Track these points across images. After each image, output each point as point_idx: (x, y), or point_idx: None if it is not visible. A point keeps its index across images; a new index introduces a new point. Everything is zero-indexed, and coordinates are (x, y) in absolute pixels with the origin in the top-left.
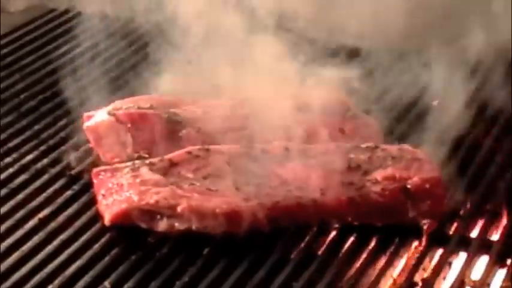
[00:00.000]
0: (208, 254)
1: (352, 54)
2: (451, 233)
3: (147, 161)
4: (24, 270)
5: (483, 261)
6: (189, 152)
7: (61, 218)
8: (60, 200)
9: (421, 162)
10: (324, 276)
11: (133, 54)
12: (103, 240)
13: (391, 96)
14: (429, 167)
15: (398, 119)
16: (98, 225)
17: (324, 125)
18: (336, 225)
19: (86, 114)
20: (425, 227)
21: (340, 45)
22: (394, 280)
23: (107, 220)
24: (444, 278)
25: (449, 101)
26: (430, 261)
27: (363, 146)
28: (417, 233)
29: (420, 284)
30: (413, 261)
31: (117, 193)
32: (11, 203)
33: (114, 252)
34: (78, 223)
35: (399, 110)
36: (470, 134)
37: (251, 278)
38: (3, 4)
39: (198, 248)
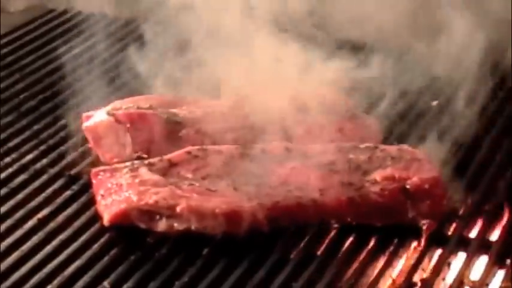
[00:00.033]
0: (207, 254)
1: (355, 52)
2: (450, 233)
3: (146, 161)
4: (23, 270)
5: (482, 261)
6: (189, 152)
7: (60, 218)
8: (59, 200)
9: (421, 162)
10: (323, 276)
11: (133, 54)
12: (102, 240)
13: (390, 96)
14: (428, 167)
15: (398, 119)
16: (97, 226)
17: (324, 125)
18: (336, 225)
19: (85, 114)
20: (424, 227)
21: (344, 42)
22: (393, 280)
23: (106, 220)
24: (443, 279)
25: (449, 101)
26: (429, 262)
27: (362, 146)
28: (416, 233)
29: (419, 284)
30: (412, 262)
31: (116, 193)
32: (11, 202)
33: (113, 252)
34: (77, 223)
35: (399, 110)
36: (470, 133)
37: (251, 278)
38: (3, 4)
39: (198, 248)
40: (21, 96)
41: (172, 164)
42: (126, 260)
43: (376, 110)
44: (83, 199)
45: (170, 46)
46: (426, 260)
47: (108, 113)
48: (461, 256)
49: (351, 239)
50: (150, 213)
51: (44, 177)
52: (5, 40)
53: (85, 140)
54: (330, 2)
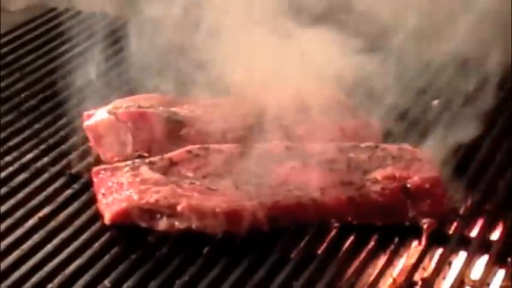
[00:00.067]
0: (208, 253)
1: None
2: (450, 232)
3: (147, 160)
4: (24, 268)
5: (483, 260)
6: (189, 151)
7: (61, 216)
8: (60, 198)
9: (421, 161)
10: (323, 275)
11: (134, 53)
12: (103, 239)
13: (392, 95)
14: (429, 167)
15: (398, 118)
16: (98, 224)
17: (324, 125)
18: (336, 225)
19: (86, 113)
20: (425, 227)
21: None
22: (394, 279)
23: (106, 219)
24: (444, 278)
25: (449, 101)
26: (430, 261)
27: (363, 145)
28: (417, 233)
29: (420, 283)
30: (413, 261)
31: (117, 192)
32: (11, 201)
33: (114, 251)
34: (78, 222)
35: (399, 110)
36: (470, 133)
37: (251, 277)
38: (3, 3)
39: (198, 247)
40: (22, 95)
41: (173, 163)
42: (127, 258)
43: (376, 109)
44: (83, 198)
45: (171, 45)
46: (427, 259)
47: (109, 112)
48: (462, 255)
49: (351, 238)
50: (151, 212)
51: (45, 176)
52: (5, 39)
53: (86, 139)
54: None
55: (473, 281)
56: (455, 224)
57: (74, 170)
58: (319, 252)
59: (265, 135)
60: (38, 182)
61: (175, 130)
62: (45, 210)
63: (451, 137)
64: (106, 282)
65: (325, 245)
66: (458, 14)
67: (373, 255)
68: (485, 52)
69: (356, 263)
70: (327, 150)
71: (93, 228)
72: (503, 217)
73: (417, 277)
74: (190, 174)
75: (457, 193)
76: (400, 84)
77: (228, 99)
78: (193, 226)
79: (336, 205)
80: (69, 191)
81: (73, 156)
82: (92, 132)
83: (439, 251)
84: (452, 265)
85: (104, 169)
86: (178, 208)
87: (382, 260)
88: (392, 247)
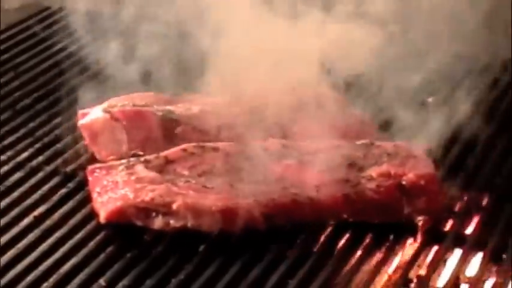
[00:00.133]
0: (204, 252)
1: None
2: (446, 230)
3: (142, 159)
4: (19, 267)
5: (478, 258)
6: (185, 150)
7: (56, 215)
8: (55, 197)
9: (416, 158)
10: (319, 273)
11: (128, 51)
12: (98, 237)
13: (386, 92)
14: (424, 164)
15: (393, 115)
16: (93, 223)
17: (319, 122)
18: (331, 223)
19: (80, 112)
20: (420, 224)
21: None
22: (389, 277)
23: (102, 218)
24: (439, 275)
25: (444, 98)
26: (425, 258)
27: (358, 142)
28: (412, 230)
29: (415, 280)
30: (408, 258)
31: (112, 191)
32: (6, 200)
33: (109, 249)
34: (73, 221)
35: (395, 107)
36: (466, 130)
37: (247, 275)
38: None
39: (194, 245)
40: (16, 94)
41: (168, 161)
42: (122, 257)
43: (371, 107)
44: (78, 197)
45: (167, 43)
46: (422, 256)
47: (104, 111)
48: (457, 252)
49: (347, 235)
50: (147, 210)
51: (40, 174)
52: None
53: (81, 138)
54: None
55: (469, 278)
56: (450, 221)
57: (69, 169)
58: (315, 250)
59: (260, 133)
60: (33, 181)
61: (171, 128)
62: (41, 209)
63: (447, 134)
64: (101, 281)
65: (320, 242)
66: (458, 10)
67: (368, 253)
68: (482, 48)
69: (352, 261)
70: (322, 148)
71: (89, 227)
72: (499, 214)
73: (412, 274)
74: (185, 172)
75: (452, 190)
76: (396, 80)
77: (223, 98)
78: (189, 224)
79: (331, 203)
80: (64, 190)
81: (68, 154)
82: (87, 131)
83: (435, 248)
84: (448, 262)
85: (99, 168)
86: (174, 206)
87: (377, 258)
88: (387, 244)
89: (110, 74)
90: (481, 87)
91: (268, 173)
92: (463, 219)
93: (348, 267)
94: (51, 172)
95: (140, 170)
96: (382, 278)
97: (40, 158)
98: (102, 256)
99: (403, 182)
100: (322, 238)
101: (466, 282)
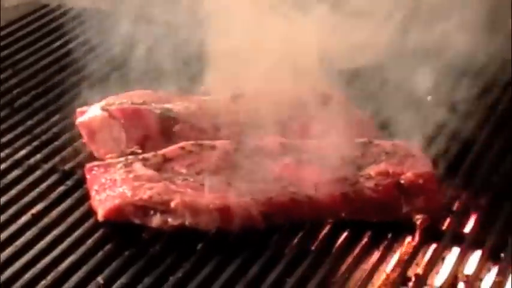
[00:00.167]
0: (202, 250)
1: None
2: (444, 228)
3: (141, 157)
4: (17, 265)
5: (476, 256)
6: (183, 148)
7: (54, 213)
8: (53, 195)
9: (415, 157)
10: (317, 271)
11: (126, 49)
12: (96, 235)
13: (386, 91)
14: (422, 163)
15: (392, 114)
16: (91, 221)
17: (318, 120)
18: (330, 221)
19: (79, 110)
20: (418, 223)
21: None
22: (388, 275)
23: (100, 216)
24: (437, 273)
25: (443, 96)
26: (423, 257)
27: (357, 141)
28: (410, 229)
29: (413, 279)
30: (406, 257)
31: (110, 189)
32: (4, 198)
33: (107, 247)
34: (71, 219)
35: (394, 106)
36: (465, 129)
37: (245, 273)
38: None
39: (192, 244)
40: (14, 92)
41: (166, 159)
42: (120, 255)
43: (370, 105)
44: (77, 194)
45: (165, 41)
46: (420, 255)
47: (102, 109)
48: (456, 251)
49: (345, 234)
50: (145, 208)
51: (38, 172)
52: None
53: (79, 136)
54: None
55: (467, 277)
56: (448, 219)
57: (67, 167)
58: (313, 248)
59: (259, 131)
60: (31, 179)
61: (169, 126)
62: (38, 207)
63: (445, 132)
64: (99, 278)
65: (319, 241)
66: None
67: (366, 251)
68: (482, 47)
69: (350, 259)
70: (320, 146)
71: (87, 225)
72: (497, 213)
73: (411, 273)
74: (183, 170)
75: (450, 189)
76: (396, 78)
77: (222, 95)
78: (187, 223)
79: (329, 201)
80: (62, 188)
81: (66, 152)
82: (85, 129)
83: (433, 246)
84: (446, 261)
85: (97, 166)
86: (172, 204)
87: (375, 256)
88: (385, 243)
89: (107, 72)
90: (480, 86)
91: (267, 171)
92: (461, 217)
93: (346, 266)
94: (49, 170)
95: (138, 168)
96: (380, 277)
97: (38, 156)
98: (100, 254)
99: (402, 181)
100: (320, 236)
101: (464, 281)
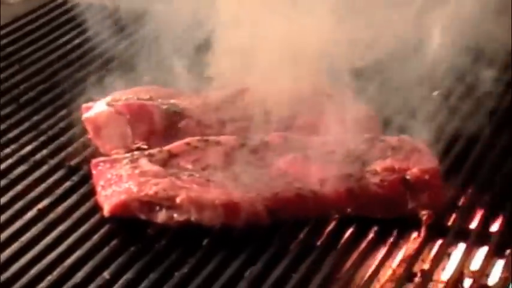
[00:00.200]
0: (207, 246)
1: None
2: (450, 224)
3: (146, 152)
4: (23, 260)
5: (482, 252)
6: (188, 143)
7: (60, 209)
8: (59, 191)
9: (421, 153)
10: (322, 267)
11: (133, 44)
12: (102, 231)
13: (391, 86)
14: (428, 158)
15: (398, 110)
16: (97, 216)
17: (323, 116)
18: (335, 217)
19: (85, 105)
20: (424, 218)
21: None
22: (394, 271)
23: (106, 211)
24: (443, 269)
25: (449, 92)
26: (429, 252)
27: (362, 137)
28: (416, 224)
29: (419, 274)
30: (412, 252)
31: (116, 184)
32: (10, 193)
33: (113, 243)
34: (77, 214)
35: (399, 101)
36: (470, 124)
37: (250, 269)
38: None
39: (197, 239)
40: (21, 87)
41: (172, 155)
42: (126, 251)
43: (376, 100)
44: (83, 190)
45: (170, 36)
46: (426, 250)
47: (108, 104)
48: (461, 247)
49: (350, 230)
50: (150, 204)
51: (44, 168)
52: (4, 31)
53: (85, 131)
54: None
55: (473, 272)
56: (454, 215)
57: (73, 162)
58: (318, 244)
59: (264, 126)
60: (37, 174)
61: (174, 122)
62: (44, 203)
63: (451, 128)
64: (105, 274)
65: (324, 237)
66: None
67: (372, 247)
68: (488, 42)
69: (355, 255)
70: (326, 142)
71: (92, 220)
72: (502, 209)
73: (416, 268)
74: (189, 166)
75: (456, 184)
76: (400, 73)
77: (227, 91)
78: (192, 218)
79: (335, 197)
80: (68, 183)
81: (72, 148)
82: (91, 125)
83: (439, 242)
84: (452, 257)
85: (103, 161)
86: (178, 200)
87: (381, 252)
88: (391, 239)
89: (114, 67)
90: (486, 81)
91: (272, 167)
92: (466, 213)
93: (351, 262)
94: (55, 165)
95: (144, 163)
96: (386, 272)
97: (44, 152)
98: (106, 249)
99: (407, 177)
100: (326, 232)
101: (470, 277)
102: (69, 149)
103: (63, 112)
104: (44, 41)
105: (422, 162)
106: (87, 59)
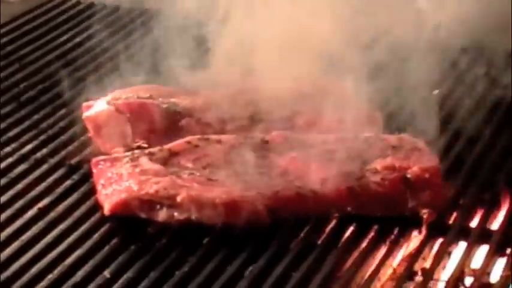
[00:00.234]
0: (208, 244)
1: None
2: (450, 222)
3: (147, 151)
4: (23, 259)
5: (483, 250)
6: (189, 142)
7: (60, 207)
8: (59, 189)
9: (421, 152)
10: (323, 266)
11: (133, 43)
12: (102, 230)
13: (391, 85)
14: (429, 157)
15: (398, 108)
16: (97, 215)
17: (324, 115)
18: (336, 215)
19: (85, 104)
20: (424, 217)
21: None
22: (394, 269)
23: (106, 210)
24: (444, 268)
25: (449, 91)
26: (430, 251)
27: (363, 135)
28: (417, 223)
29: (420, 273)
30: (413, 251)
31: (116, 183)
32: (11, 192)
33: (113, 242)
34: (77, 213)
35: (400, 100)
36: (471, 123)
37: (251, 267)
38: None
39: (198, 238)
40: (21, 86)
41: (172, 154)
42: (126, 249)
43: (376, 100)
44: (83, 189)
45: (171, 35)
46: (427, 249)
47: (109, 103)
48: (462, 245)
49: (351, 228)
50: (151, 202)
51: (44, 166)
52: (4, 30)
53: (85, 130)
54: None
55: (473, 271)
56: (455, 214)
57: (73, 161)
58: (319, 242)
59: (265, 125)
60: (37, 173)
61: (175, 121)
62: (45, 201)
63: (451, 127)
64: (106, 273)
65: (325, 235)
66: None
67: (373, 246)
68: (486, 41)
69: (356, 254)
70: (326, 141)
71: (93, 219)
72: (503, 207)
73: (417, 267)
74: (190, 165)
75: (456, 183)
76: (400, 72)
77: (228, 90)
78: (193, 217)
79: (335, 196)
80: (68, 182)
81: (72, 147)
82: (92, 123)
83: (439, 241)
84: (452, 255)
85: (104, 160)
86: (178, 199)
87: (382, 251)
88: (392, 237)
89: (114, 66)
90: (486, 80)
91: (272, 165)
92: (467, 212)
93: (352, 260)
94: (55, 164)
95: (144, 162)
96: (387, 271)
97: (44, 150)
98: (106, 248)
99: (408, 175)
100: (327, 231)
101: (471, 275)
102: (70, 148)
103: (63, 111)
104: (44, 40)
105: (422, 161)
106: (87, 57)
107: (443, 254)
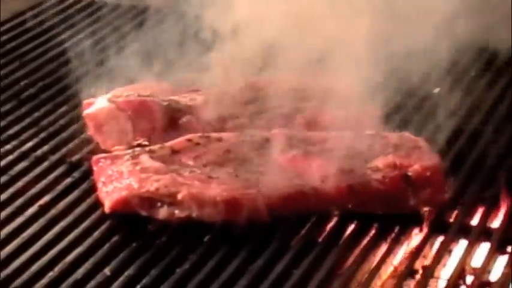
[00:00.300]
0: (208, 242)
1: None
2: (451, 220)
3: (147, 149)
4: (24, 257)
5: (484, 248)
6: (190, 140)
7: (61, 205)
8: (60, 187)
9: (422, 150)
10: (324, 263)
11: (133, 40)
12: (103, 227)
13: (392, 83)
14: (430, 155)
15: (399, 106)
16: (98, 213)
17: (325, 113)
18: (337, 213)
19: (85, 102)
20: (425, 215)
21: None
22: (395, 267)
23: (107, 207)
24: (445, 266)
25: (449, 89)
26: (431, 249)
27: (364, 133)
28: (418, 221)
29: (421, 271)
30: (413, 249)
31: (117, 180)
32: (11, 190)
33: (114, 239)
34: (78, 210)
35: (400, 98)
36: (471, 121)
37: (251, 265)
38: None
39: (198, 236)
40: (22, 84)
41: (173, 151)
42: (127, 247)
43: (377, 97)
44: (83, 186)
45: (171, 33)
46: (427, 247)
47: (109, 100)
48: (463, 243)
49: (352, 226)
50: (151, 200)
51: (45, 164)
52: (5, 27)
53: (85, 127)
54: None
55: (474, 269)
56: (455, 212)
57: (73, 159)
58: (320, 240)
59: (265, 123)
60: (37, 171)
61: (176, 118)
62: (45, 199)
63: (452, 125)
64: (106, 270)
65: (325, 233)
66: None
67: (373, 244)
68: (486, 38)
69: (357, 251)
70: (327, 139)
71: (93, 216)
72: (503, 205)
73: (418, 265)
74: (190, 162)
75: (457, 181)
76: (400, 70)
77: (228, 88)
78: (194, 215)
79: (336, 193)
80: (69, 180)
81: (73, 144)
82: (92, 121)
83: (440, 239)
84: (453, 253)
85: (104, 157)
86: (179, 196)
87: (382, 248)
88: (393, 235)
89: (115, 63)
90: (487, 78)
91: (273, 163)
92: (468, 210)
93: (353, 258)
94: (56, 162)
95: (145, 160)
96: (388, 269)
97: (45, 148)
98: (107, 246)
99: (409, 173)
100: (327, 228)
101: (472, 273)
102: (70, 145)
103: (64, 108)
104: (45, 38)
105: (423, 159)
106: (88, 55)
107: (444, 252)
